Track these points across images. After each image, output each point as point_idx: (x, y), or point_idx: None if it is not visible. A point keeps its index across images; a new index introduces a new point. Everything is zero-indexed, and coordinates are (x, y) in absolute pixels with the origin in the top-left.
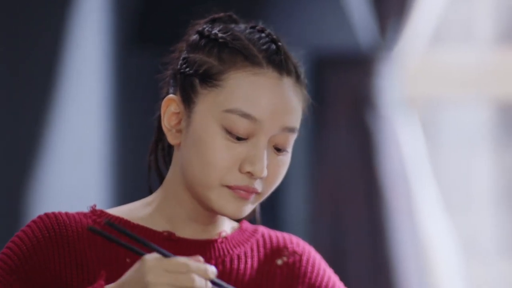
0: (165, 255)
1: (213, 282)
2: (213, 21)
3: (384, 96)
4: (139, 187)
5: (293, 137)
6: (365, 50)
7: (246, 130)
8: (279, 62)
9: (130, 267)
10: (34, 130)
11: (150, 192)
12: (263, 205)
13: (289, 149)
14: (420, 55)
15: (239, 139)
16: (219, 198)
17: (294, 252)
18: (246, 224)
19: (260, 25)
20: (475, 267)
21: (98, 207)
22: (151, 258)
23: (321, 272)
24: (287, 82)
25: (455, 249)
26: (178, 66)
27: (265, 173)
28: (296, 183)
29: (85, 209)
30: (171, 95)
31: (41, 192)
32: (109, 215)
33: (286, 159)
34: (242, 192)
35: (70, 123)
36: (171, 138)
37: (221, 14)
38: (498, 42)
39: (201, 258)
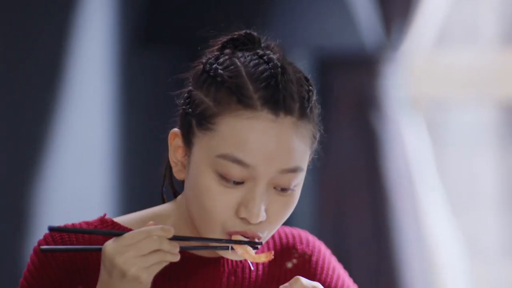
0: (119, 235)
1: (176, 239)
2: (224, 47)
3: (388, 96)
4: (144, 189)
5: (296, 176)
6: (370, 51)
7: (240, 175)
8: (276, 102)
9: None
10: (38, 131)
11: (163, 201)
12: None
13: (295, 188)
14: (425, 56)
15: (234, 183)
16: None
17: (304, 253)
18: None
19: (270, 53)
20: (480, 268)
21: (103, 209)
22: (107, 243)
23: (330, 272)
24: (286, 122)
25: (460, 249)
26: (183, 100)
27: (261, 218)
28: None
29: (90, 211)
30: (175, 130)
31: (45, 193)
32: (120, 226)
33: (290, 199)
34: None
35: (74, 124)
36: (177, 173)
37: (240, 33)
38: (502, 43)
39: (151, 222)
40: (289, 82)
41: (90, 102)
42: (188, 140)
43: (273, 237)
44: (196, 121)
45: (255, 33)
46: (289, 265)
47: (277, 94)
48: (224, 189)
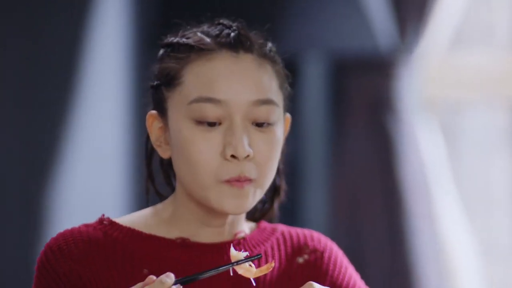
0: None
1: (182, 282)
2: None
3: (403, 98)
4: (158, 188)
5: (272, 110)
6: (385, 53)
7: (214, 114)
8: (233, 42)
9: (146, 278)
10: (52, 134)
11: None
12: (282, 207)
13: (275, 124)
14: (440, 58)
15: (211, 125)
16: (217, 196)
17: (315, 250)
18: (265, 224)
19: (223, 20)
20: (494, 270)
21: (117, 210)
22: None
23: (342, 270)
24: (246, 58)
25: (474, 252)
26: (150, 82)
27: (247, 151)
28: (315, 186)
29: (104, 211)
30: (151, 112)
31: (60, 194)
32: (119, 226)
33: (271, 136)
34: (235, 182)
35: (89, 125)
36: (162, 153)
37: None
38: None
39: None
40: (242, 30)
41: (105, 103)
42: (162, 109)
43: (284, 235)
44: (164, 86)
45: (225, 21)
46: (300, 260)
47: (233, 37)
48: (204, 134)
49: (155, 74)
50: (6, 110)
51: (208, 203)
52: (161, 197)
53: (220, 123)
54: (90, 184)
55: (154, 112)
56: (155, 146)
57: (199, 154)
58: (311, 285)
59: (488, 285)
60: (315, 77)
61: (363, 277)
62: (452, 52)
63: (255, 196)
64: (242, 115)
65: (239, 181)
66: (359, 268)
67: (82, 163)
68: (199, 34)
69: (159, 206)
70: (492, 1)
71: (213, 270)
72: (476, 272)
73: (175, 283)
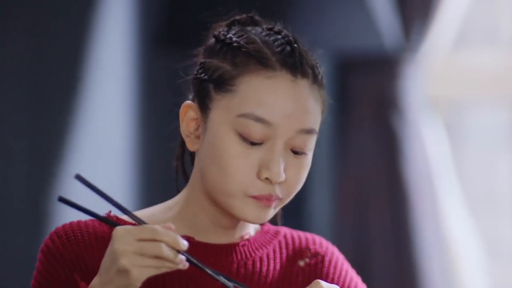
0: (139, 223)
1: (186, 258)
2: (232, 24)
3: (408, 97)
4: (163, 188)
5: (311, 139)
6: (390, 52)
7: (260, 134)
8: (293, 64)
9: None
10: (58, 131)
11: (178, 193)
12: (287, 206)
13: (309, 151)
14: (444, 57)
15: (253, 144)
16: (242, 207)
17: (317, 253)
18: (268, 226)
19: (278, 27)
20: (499, 269)
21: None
22: (121, 227)
23: (343, 273)
24: (302, 84)
25: (479, 250)
26: (195, 72)
27: (282, 177)
28: (321, 184)
29: (109, 209)
30: (188, 102)
31: (64, 193)
32: (125, 222)
33: (305, 161)
34: (265, 200)
35: (94, 125)
36: (190, 144)
37: (243, 16)
38: None
39: (172, 226)
40: (301, 49)
41: (111, 103)
42: (204, 106)
43: (286, 238)
44: (213, 85)
45: (256, 17)
46: (302, 263)
47: (294, 57)
48: (245, 150)
49: (202, 66)
50: (11, 108)
51: (230, 210)
52: (185, 180)
53: (262, 143)
54: (95, 183)
55: (191, 103)
56: (183, 136)
57: (234, 168)
58: (319, 283)
59: (492, 283)
60: None
61: (368, 274)
62: (457, 51)
63: (275, 210)
64: (285, 140)
65: (269, 200)
66: (365, 266)
67: (87, 161)
68: (258, 41)
69: (169, 202)
70: (496, 0)
71: (222, 277)
72: (480, 270)
73: (185, 256)
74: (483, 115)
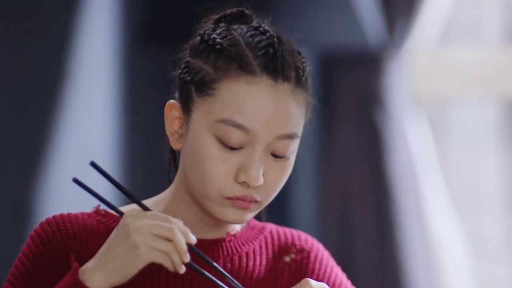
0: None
1: (190, 249)
2: (219, 20)
3: (392, 94)
4: (149, 184)
5: (293, 143)
6: (374, 49)
7: (239, 140)
8: (275, 69)
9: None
10: (41, 130)
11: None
12: (271, 204)
13: (290, 155)
14: (428, 54)
15: (232, 148)
16: (220, 209)
17: (302, 249)
18: (254, 222)
19: (265, 26)
20: (483, 265)
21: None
22: (132, 210)
23: (328, 270)
24: (284, 89)
25: (463, 248)
26: (180, 70)
27: (260, 182)
28: (304, 182)
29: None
30: (172, 101)
31: (49, 191)
32: (114, 216)
33: (286, 166)
34: (242, 202)
35: (78, 122)
36: (173, 143)
37: (233, 10)
38: (505, 41)
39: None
40: (285, 51)
41: (94, 100)
42: (187, 107)
43: (272, 234)
44: (195, 88)
45: (247, 11)
46: (287, 259)
47: (276, 61)
48: (223, 154)
49: (187, 66)
50: None
51: (209, 211)
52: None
53: (241, 148)
54: (80, 179)
55: (175, 102)
56: (168, 134)
57: (212, 171)
58: (308, 281)
59: (476, 279)
60: None
61: (353, 271)
62: (441, 48)
63: (255, 212)
64: (265, 145)
65: (245, 200)
66: (349, 264)
67: (71, 161)
68: (241, 43)
69: (156, 198)
70: None
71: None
72: (464, 267)
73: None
74: (468, 112)
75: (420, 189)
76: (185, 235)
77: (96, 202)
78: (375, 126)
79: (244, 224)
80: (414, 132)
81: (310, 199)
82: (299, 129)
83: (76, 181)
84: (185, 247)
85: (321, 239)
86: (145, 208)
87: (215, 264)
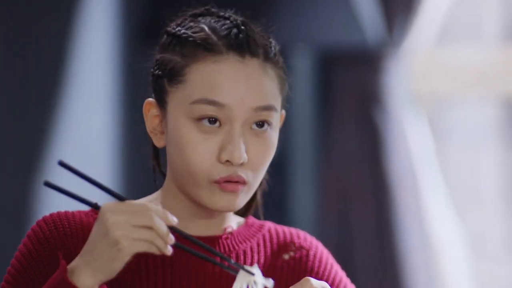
0: (122, 199)
1: (173, 230)
2: (186, 18)
3: (391, 93)
4: (147, 181)
5: (271, 116)
6: (373, 48)
7: (215, 117)
8: (240, 45)
9: (129, 263)
10: (41, 128)
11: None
12: (271, 203)
13: (271, 129)
14: (427, 53)
15: (211, 129)
16: (210, 196)
17: (301, 247)
18: (252, 219)
19: (229, 13)
20: (483, 265)
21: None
22: (108, 203)
23: (328, 267)
24: (252, 64)
25: (463, 246)
26: (152, 69)
27: (243, 158)
28: (304, 180)
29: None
30: (149, 99)
31: (49, 191)
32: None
33: (267, 141)
34: (229, 185)
35: (78, 121)
36: (156, 141)
37: (200, 9)
38: (505, 40)
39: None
40: (250, 30)
41: (93, 98)
42: (162, 101)
43: (271, 232)
44: (167, 79)
45: (214, 9)
46: (286, 256)
47: (240, 39)
48: (204, 136)
49: (157, 63)
50: None
51: (200, 200)
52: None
53: (219, 125)
54: (79, 180)
55: (152, 100)
56: (150, 134)
57: (195, 155)
58: (308, 280)
59: (475, 278)
60: (303, 72)
61: (352, 270)
62: (440, 47)
63: (246, 195)
64: (242, 121)
65: (231, 181)
66: (348, 262)
67: (70, 160)
68: (206, 29)
69: (151, 197)
70: None
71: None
72: (463, 266)
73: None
74: (467, 111)
75: (419, 188)
76: (164, 218)
77: (97, 201)
78: (375, 125)
79: (242, 222)
80: (413, 132)
81: (309, 198)
82: (275, 102)
83: (47, 183)
84: (165, 230)
85: (320, 238)
86: (121, 198)
87: (201, 242)
